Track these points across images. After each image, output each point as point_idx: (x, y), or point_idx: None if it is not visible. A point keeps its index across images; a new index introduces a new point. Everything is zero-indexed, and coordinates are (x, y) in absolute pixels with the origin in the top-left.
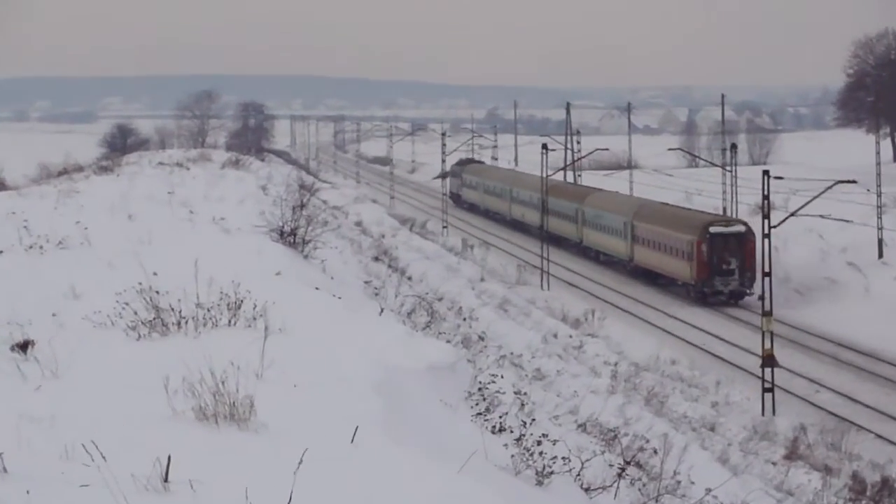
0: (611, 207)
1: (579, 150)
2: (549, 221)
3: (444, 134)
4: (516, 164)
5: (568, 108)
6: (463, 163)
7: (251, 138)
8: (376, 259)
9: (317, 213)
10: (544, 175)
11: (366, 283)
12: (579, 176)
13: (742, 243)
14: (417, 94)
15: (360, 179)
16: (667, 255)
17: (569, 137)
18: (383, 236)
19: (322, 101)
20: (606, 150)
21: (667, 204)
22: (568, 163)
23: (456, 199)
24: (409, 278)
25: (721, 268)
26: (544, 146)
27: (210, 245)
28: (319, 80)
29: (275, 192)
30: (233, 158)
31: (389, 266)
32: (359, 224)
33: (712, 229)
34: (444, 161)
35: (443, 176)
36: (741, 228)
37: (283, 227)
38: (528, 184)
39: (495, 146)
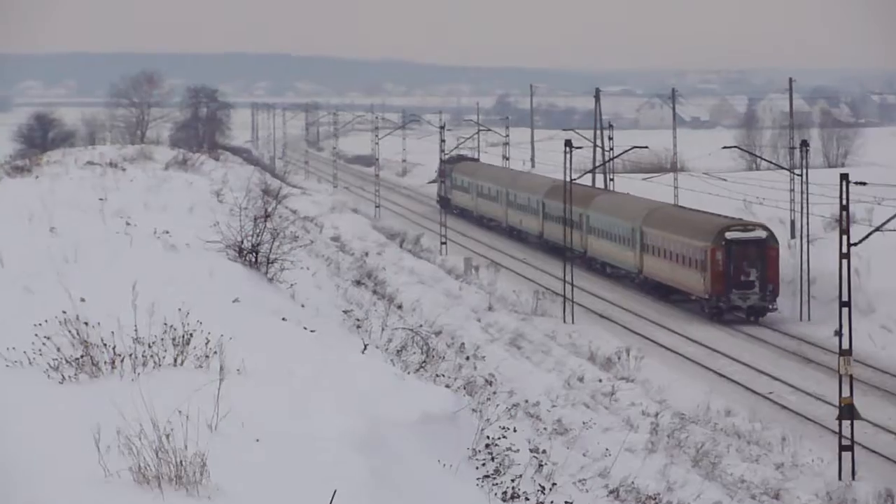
0: (618, 212)
1: (611, 149)
2: (548, 228)
3: (442, 127)
4: (532, 165)
5: (598, 95)
6: (452, 161)
7: (203, 132)
8: (358, 283)
9: (284, 226)
10: (568, 178)
11: (345, 312)
12: (611, 180)
13: (763, 251)
14: (409, 78)
15: (338, 184)
16: (678, 265)
17: (599, 132)
18: (367, 255)
19: (291, 85)
20: (645, 147)
21: (683, 207)
22: (598, 163)
23: (444, 203)
24: (400, 307)
25: (739, 279)
26: (568, 143)
27: (151, 265)
28: (287, 60)
29: (232, 199)
30: (180, 157)
31: (375, 292)
32: (336, 239)
33: (729, 235)
34: (442, 161)
35: (440, 180)
36: (762, 234)
37: (241, 242)
38: (527, 185)
39: (506, 143)
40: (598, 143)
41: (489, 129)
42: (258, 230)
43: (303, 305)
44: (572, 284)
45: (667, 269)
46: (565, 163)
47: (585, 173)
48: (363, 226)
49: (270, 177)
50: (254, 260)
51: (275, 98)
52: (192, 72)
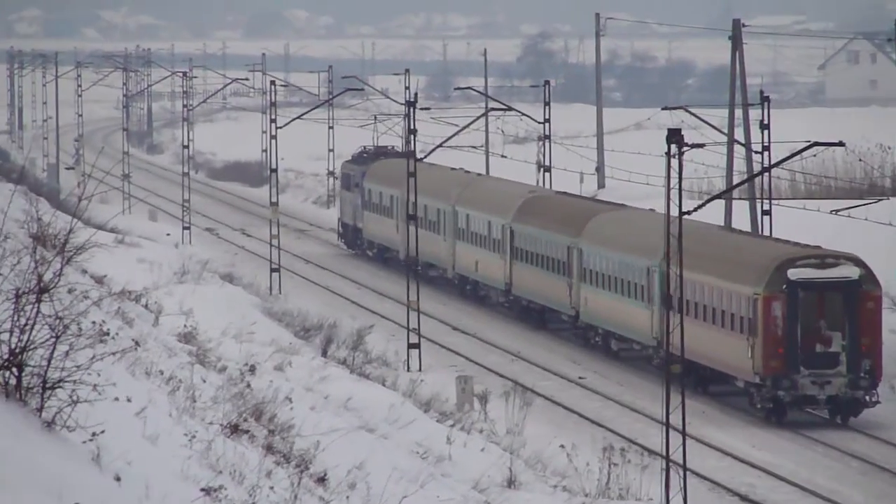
0: (627, 243)
1: (766, 147)
2: (519, 277)
3: (412, 103)
4: (601, 184)
5: (737, 35)
6: (363, 159)
7: None
8: (236, 430)
9: (80, 312)
10: (673, 213)
11: (207, 493)
12: (766, 213)
13: (854, 301)
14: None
15: (191, 223)
16: (713, 328)
17: (740, 114)
18: (252, 371)
19: (93, 15)
20: (839, 145)
21: (729, 228)
22: (738, 180)
23: (352, 237)
24: (322, 481)
25: (812, 349)
26: (674, 136)
27: None
28: None
29: None
30: None
31: (270, 449)
32: (189, 338)
33: (793, 273)
34: (411, 175)
35: (410, 217)
36: (851, 272)
37: None
38: (485, 200)
39: (546, 137)
40: (737, 136)
41: (509, 109)
42: (23, 322)
43: (118, 478)
44: (683, 431)
45: (700, 337)
46: (668, 178)
47: (713, 199)
48: (246, 309)
49: (51, 207)
50: (15, 383)
51: (60, 43)
52: None
